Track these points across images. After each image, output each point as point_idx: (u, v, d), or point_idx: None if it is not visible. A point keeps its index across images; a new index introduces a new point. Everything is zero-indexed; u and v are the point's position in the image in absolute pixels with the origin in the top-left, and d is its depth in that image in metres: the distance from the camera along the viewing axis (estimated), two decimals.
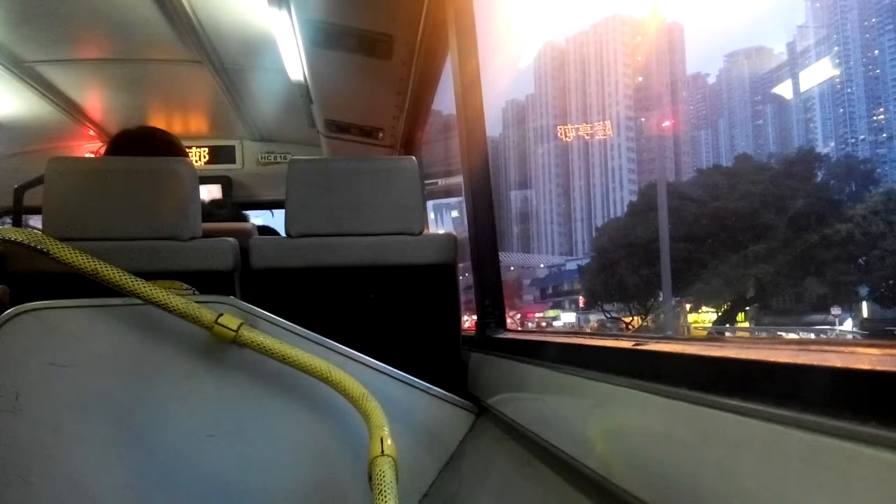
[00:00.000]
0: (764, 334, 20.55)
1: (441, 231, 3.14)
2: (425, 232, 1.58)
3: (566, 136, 61.75)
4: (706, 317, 25.48)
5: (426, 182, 3.01)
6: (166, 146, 1.88)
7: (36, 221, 2.98)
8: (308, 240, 1.50)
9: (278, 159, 3.24)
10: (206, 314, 1.12)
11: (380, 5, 1.88)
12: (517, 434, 1.04)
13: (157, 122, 3.04)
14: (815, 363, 0.44)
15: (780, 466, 0.43)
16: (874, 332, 18.88)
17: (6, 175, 2.90)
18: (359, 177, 1.54)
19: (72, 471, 1.12)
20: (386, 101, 2.49)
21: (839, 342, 0.56)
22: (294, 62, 2.29)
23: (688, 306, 25.36)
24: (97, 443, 1.14)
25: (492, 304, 1.52)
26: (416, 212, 1.54)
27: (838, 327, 21.30)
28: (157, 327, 1.17)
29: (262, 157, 3.25)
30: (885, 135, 45.88)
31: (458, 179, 2.42)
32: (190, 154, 3.12)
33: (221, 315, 1.12)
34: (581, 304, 33.79)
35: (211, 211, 2.46)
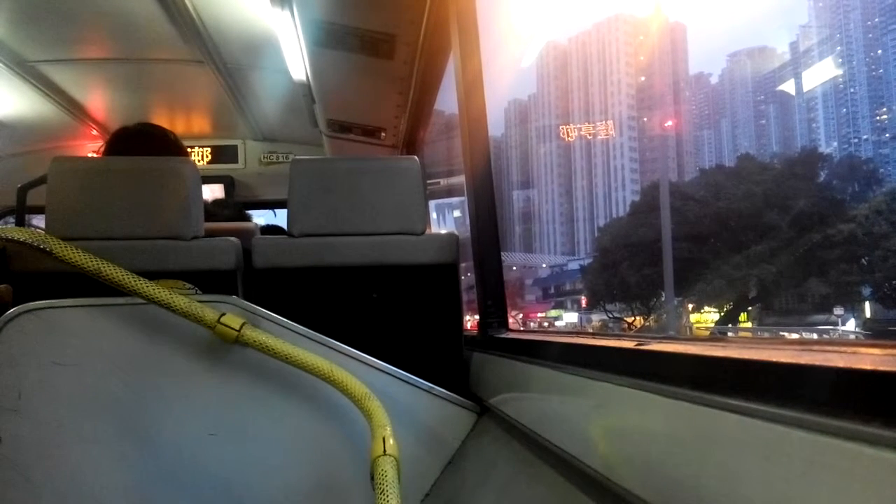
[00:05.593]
0: (766, 334, 20.51)
1: (443, 231, 3.14)
2: (427, 231, 1.58)
3: (569, 136, 61.74)
4: (708, 317, 25.45)
5: (428, 182, 3.01)
6: (165, 143, 1.88)
7: (39, 221, 2.98)
8: (310, 239, 1.50)
9: (281, 159, 3.24)
10: (209, 313, 1.12)
11: (382, 5, 1.88)
12: (519, 434, 1.04)
13: (160, 121, 3.04)
14: (818, 363, 0.44)
15: (783, 466, 0.43)
16: (877, 333, 18.82)
17: (9, 174, 2.90)
18: (361, 177, 1.54)
19: (74, 469, 1.12)
20: (388, 100, 2.49)
21: (842, 342, 0.56)
22: (296, 62, 2.29)
23: (690, 306, 25.32)
24: (99, 442, 1.14)
25: (494, 304, 1.52)
26: (418, 211, 1.55)
27: (841, 327, 21.26)
28: (160, 327, 1.17)
29: (264, 157, 3.26)
30: (888, 135, 45.81)
31: (460, 179, 2.42)
32: (192, 154, 3.12)
33: (224, 314, 1.13)
34: (583, 304, 33.77)
35: (213, 210, 2.46)
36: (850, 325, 21.69)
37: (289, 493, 1.19)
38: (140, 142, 1.84)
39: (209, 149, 3.21)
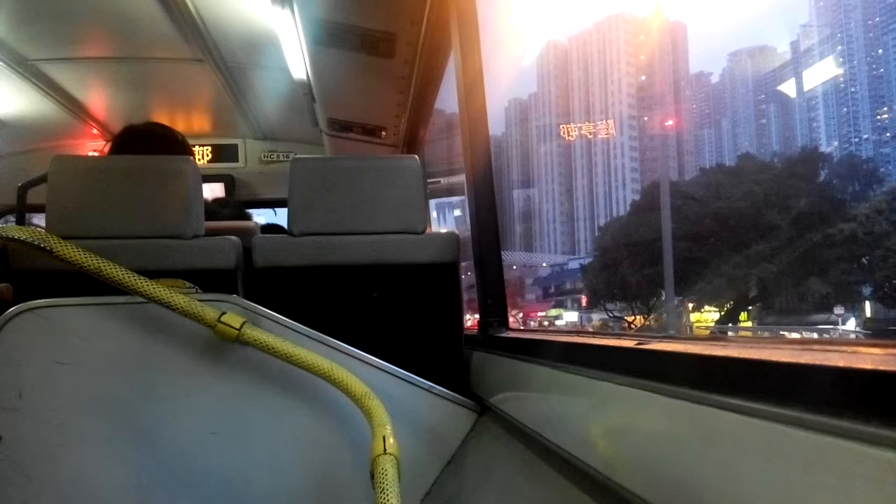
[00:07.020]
0: (766, 334, 20.50)
1: (443, 230, 3.14)
2: (428, 230, 1.58)
3: (569, 135, 61.65)
4: (709, 316, 25.44)
5: (429, 181, 3.01)
6: (171, 142, 1.89)
7: (39, 220, 2.99)
8: (310, 238, 1.50)
9: (281, 158, 3.25)
10: (209, 312, 1.12)
11: (383, 4, 1.88)
12: (519, 433, 1.04)
13: (160, 120, 3.04)
14: (818, 363, 0.44)
15: (783, 466, 0.43)
16: (877, 332, 18.79)
17: (10, 173, 2.90)
18: (361, 175, 1.54)
19: (74, 469, 1.12)
20: (389, 99, 2.49)
21: (842, 342, 0.56)
22: (297, 60, 2.29)
23: (690, 306, 25.32)
24: (100, 441, 1.14)
25: (494, 303, 1.52)
26: (418, 210, 1.55)
27: (841, 327, 21.24)
28: (160, 325, 1.17)
29: (264, 156, 3.26)
30: (888, 134, 45.75)
31: (460, 178, 2.42)
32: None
33: (224, 313, 1.13)
34: (583, 304, 33.75)
35: (214, 209, 2.46)
36: (851, 324, 21.67)
37: (289, 491, 1.19)
38: (147, 141, 1.84)
39: (209, 148, 3.21)
